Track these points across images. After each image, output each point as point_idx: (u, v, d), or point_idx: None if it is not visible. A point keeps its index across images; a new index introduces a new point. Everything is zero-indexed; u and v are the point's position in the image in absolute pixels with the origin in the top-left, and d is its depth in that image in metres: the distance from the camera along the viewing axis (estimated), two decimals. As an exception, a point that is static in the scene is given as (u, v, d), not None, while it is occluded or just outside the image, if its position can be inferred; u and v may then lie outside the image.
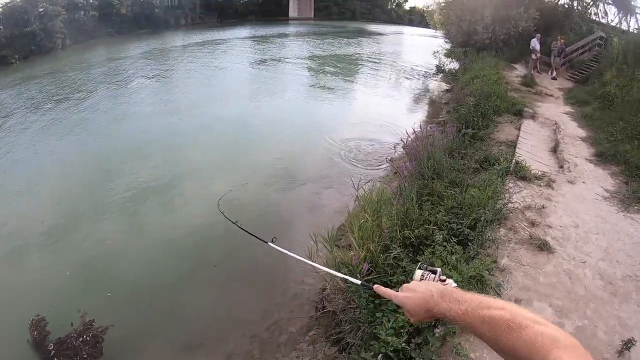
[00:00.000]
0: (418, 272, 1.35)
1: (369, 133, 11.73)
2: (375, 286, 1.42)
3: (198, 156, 10.89)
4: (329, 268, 4.67)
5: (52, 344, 5.27)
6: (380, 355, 3.52)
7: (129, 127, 13.68)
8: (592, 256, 4.74)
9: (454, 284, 1.29)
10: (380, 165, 9.85)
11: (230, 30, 40.65)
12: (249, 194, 8.60)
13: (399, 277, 4.10)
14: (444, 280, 1.31)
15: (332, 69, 21.64)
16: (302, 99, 16.46)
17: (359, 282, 1.84)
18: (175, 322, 5.72)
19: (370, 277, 4.17)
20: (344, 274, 4.34)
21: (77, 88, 19.88)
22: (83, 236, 7.80)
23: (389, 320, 3.73)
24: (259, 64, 24.25)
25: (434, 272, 1.33)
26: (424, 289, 1.19)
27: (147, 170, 10.09)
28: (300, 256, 2.82)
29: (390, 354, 3.46)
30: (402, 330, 3.61)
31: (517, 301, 3.87)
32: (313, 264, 2.85)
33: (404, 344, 3.44)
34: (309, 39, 33.10)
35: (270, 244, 3.00)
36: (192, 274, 6.66)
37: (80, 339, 5.25)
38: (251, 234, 3.30)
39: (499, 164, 6.82)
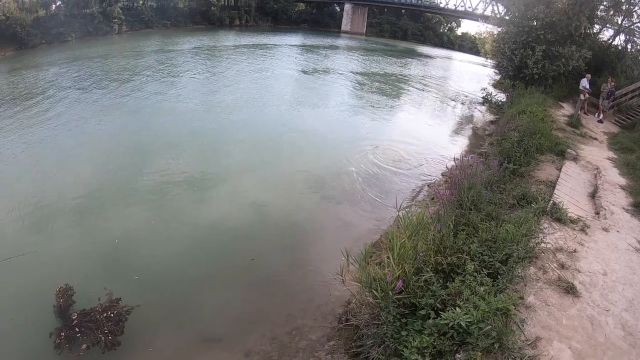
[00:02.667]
0: None
1: (407, 154, 11.89)
2: None
3: (238, 156, 11.34)
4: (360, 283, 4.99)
5: (75, 314, 5.45)
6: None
7: (172, 119, 14.29)
8: (616, 305, 4.86)
9: None
10: (416, 188, 9.98)
11: (281, 36, 41.61)
12: (284, 202, 8.92)
13: (428, 299, 4.37)
14: None
15: (376, 87, 21.97)
16: (343, 113, 16.78)
17: None
18: (198, 313, 5.93)
19: (401, 295, 4.45)
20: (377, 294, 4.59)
21: (125, 75, 20.80)
22: (118, 215, 8.10)
23: (414, 339, 3.95)
24: (306, 73, 24.88)
25: None
26: None
27: (186, 163, 10.54)
28: None
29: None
30: (426, 351, 3.83)
31: (538, 339, 4.07)
32: None
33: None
34: (357, 54, 33.61)
35: None
36: (221, 268, 6.86)
37: (104, 315, 5.42)
38: None
39: (536, 202, 6.96)
